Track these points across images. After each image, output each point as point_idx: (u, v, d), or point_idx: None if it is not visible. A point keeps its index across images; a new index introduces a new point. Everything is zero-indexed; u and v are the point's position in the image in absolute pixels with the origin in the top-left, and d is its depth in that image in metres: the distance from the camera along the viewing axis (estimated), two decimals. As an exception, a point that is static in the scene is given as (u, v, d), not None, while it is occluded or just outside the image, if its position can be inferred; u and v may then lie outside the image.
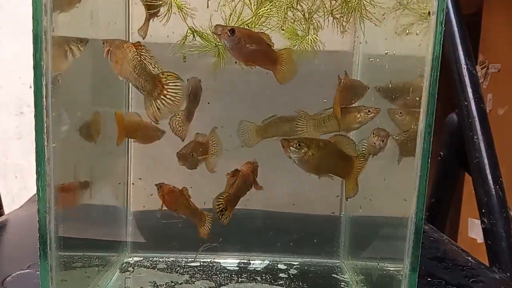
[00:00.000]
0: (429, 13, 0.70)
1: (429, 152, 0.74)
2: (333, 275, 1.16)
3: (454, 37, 1.70)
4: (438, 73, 0.71)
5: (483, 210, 1.51)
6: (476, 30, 2.29)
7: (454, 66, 1.68)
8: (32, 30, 0.65)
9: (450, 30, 1.72)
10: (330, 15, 0.97)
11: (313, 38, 0.91)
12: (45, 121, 0.66)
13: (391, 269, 0.94)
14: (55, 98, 0.69)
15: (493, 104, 2.13)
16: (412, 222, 0.80)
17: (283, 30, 0.86)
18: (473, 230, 2.20)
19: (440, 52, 0.70)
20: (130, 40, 1.09)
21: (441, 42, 0.69)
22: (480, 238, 1.55)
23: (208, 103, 1.07)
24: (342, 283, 1.12)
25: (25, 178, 2.66)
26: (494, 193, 1.50)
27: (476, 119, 1.59)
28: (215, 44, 0.82)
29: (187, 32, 0.84)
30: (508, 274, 1.42)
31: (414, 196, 0.79)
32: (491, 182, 1.52)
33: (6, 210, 1.74)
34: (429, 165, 0.76)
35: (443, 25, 0.69)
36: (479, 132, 1.58)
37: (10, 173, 2.65)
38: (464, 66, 1.66)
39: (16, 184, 2.66)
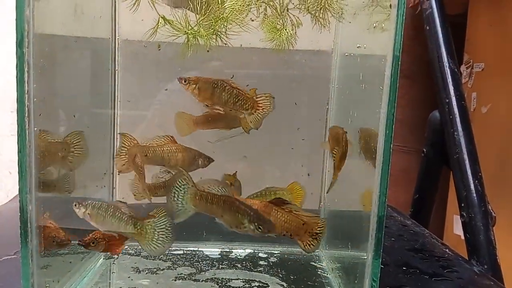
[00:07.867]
0: (390, 6, 0.73)
1: (390, 143, 0.77)
2: (311, 263, 1.19)
3: (437, 36, 1.74)
4: (399, 64, 0.74)
5: (463, 204, 1.54)
6: (462, 30, 2.33)
7: (436, 64, 1.72)
8: (15, 19, 0.69)
9: (434, 29, 1.76)
10: (307, 11, 1.01)
11: (289, 32, 0.95)
12: (26, 105, 0.69)
13: (362, 256, 0.97)
14: (37, 84, 0.72)
15: (477, 102, 2.16)
16: (375, 214, 0.83)
17: (252, 20, 0.89)
18: (458, 226, 2.24)
19: (401, 43, 0.73)
20: (117, 34, 1.14)
21: (402, 34, 0.73)
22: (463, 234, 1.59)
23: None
24: (319, 270, 1.15)
25: (19, 174, 2.69)
26: (473, 187, 1.53)
27: (457, 115, 1.63)
28: (185, 31, 0.86)
29: (158, 21, 0.87)
30: (486, 267, 1.45)
31: (376, 190, 0.82)
32: (470, 177, 1.55)
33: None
34: (390, 156, 0.78)
35: (404, 17, 0.72)
36: (460, 128, 1.61)
37: (3, 169, 2.68)
38: (446, 64, 1.70)
39: (10, 180, 2.69)
